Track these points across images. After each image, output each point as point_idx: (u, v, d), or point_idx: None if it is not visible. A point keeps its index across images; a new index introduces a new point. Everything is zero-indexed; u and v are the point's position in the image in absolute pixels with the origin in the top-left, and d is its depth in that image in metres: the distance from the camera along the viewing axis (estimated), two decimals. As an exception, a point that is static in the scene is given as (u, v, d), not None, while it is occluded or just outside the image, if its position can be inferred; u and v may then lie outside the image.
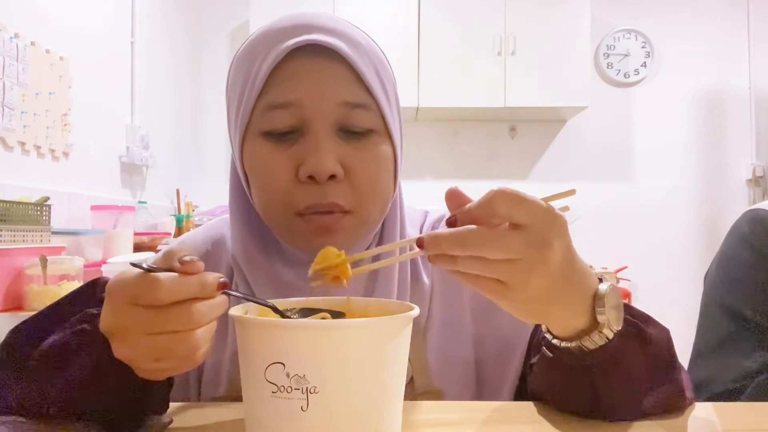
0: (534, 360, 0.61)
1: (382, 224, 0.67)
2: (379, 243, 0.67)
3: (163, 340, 0.43)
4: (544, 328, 0.54)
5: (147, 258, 0.59)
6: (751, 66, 3.51)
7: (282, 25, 0.59)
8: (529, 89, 3.12)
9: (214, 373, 0.66)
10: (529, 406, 0.60)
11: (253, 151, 0.60)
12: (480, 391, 0.67)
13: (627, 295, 3.18)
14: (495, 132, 3.51)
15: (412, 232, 0.71)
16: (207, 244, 0.74)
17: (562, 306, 0.47)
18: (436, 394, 0.66)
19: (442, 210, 0.73)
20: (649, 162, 3.52)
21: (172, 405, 0.59)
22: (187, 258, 0.43)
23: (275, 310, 0.49)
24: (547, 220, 0.42)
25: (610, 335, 0.49)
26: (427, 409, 0.59)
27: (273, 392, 0.42)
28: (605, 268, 2.92)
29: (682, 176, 3.51)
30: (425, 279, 0.68)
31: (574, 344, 0.50)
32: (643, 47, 3.49)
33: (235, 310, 0.47)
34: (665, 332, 0.55)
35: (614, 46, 3.51)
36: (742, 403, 0.67)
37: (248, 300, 0.49)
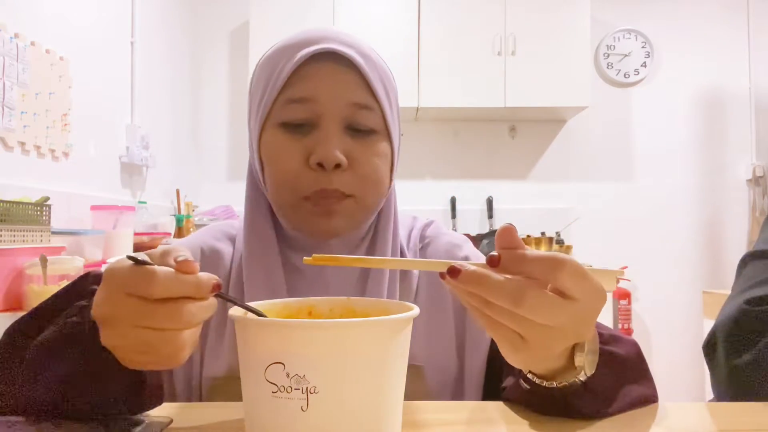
0: (506, 383, 0.63)
1: (378, 218, 0.73)
2: (374, 234, 0.73)
3: (149, 335, 0.43)
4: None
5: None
6: (751, 66, 3.51)
7: (302, 36, 0.67)
8: (529, 89, 3.12)
9: (214, 357, 0.69)
10: (529, 406, 0.60)
11: (271, 138, 0.67)
12: (459, 378, 0.72)
13: (627, 295, 3.18)
14: (495, 132, 3.51)
15: (402, 233, 0.78)
16: (207, 246, 0.76)
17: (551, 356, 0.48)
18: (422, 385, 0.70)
19: (426, 217, 0.85)
20: (649, 162, 3.52)
21: (173, 405, 0.59)
22: (182, 257, 0.43)
23: (259, 315, 0.48)
24: (597, 300, 0.43)
25: (584, 378, 0.50)
26: (427, 409, 0.59)
27: (273, 392, 0.42)
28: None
29: (682, 176, 3.51)
30: (413, 277, 0.74)
31: (548, 383, 0.52)
32: (643, 47, 3.49)
33: (235, 311, 0.47)
34: (634, 347, 0.59)
35: (614, 46, 3.51)
36: (741, 403, 0.67)
37: (236, 304, 0.48)
